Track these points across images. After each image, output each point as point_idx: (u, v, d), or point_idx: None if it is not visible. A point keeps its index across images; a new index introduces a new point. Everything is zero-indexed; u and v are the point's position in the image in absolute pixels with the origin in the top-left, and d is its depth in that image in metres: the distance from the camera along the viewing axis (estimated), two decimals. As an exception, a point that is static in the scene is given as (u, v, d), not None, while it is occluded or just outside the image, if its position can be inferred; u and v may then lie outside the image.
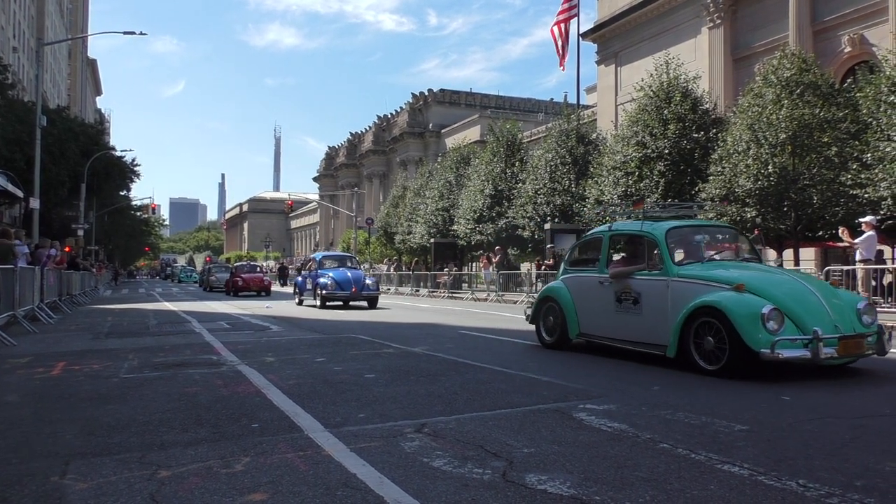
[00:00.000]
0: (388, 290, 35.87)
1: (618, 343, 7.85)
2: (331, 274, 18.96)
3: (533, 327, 9.45)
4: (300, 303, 20.88)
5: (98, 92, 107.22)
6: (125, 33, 27.02)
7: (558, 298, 8.71)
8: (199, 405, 5.20)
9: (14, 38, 50.40)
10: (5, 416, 5.06)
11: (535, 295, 22.72)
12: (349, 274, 19.16)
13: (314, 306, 19.11)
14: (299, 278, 22.22)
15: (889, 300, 13.21)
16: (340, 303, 19.21)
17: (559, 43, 29.40)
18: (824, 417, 4.75)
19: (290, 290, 40.17)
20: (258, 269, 35.00)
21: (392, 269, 42.02)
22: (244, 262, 41.33)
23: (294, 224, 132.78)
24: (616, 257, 8.67)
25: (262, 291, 29.70)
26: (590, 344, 8.65)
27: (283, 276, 51.11)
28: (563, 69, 29.88)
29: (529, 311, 9.70)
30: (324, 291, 18.45)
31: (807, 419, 4.67)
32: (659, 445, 3.94)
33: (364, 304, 19.53)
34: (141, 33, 27.21)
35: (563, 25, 29.20)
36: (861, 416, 4.78)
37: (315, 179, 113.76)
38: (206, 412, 4.94)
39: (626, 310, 7.64)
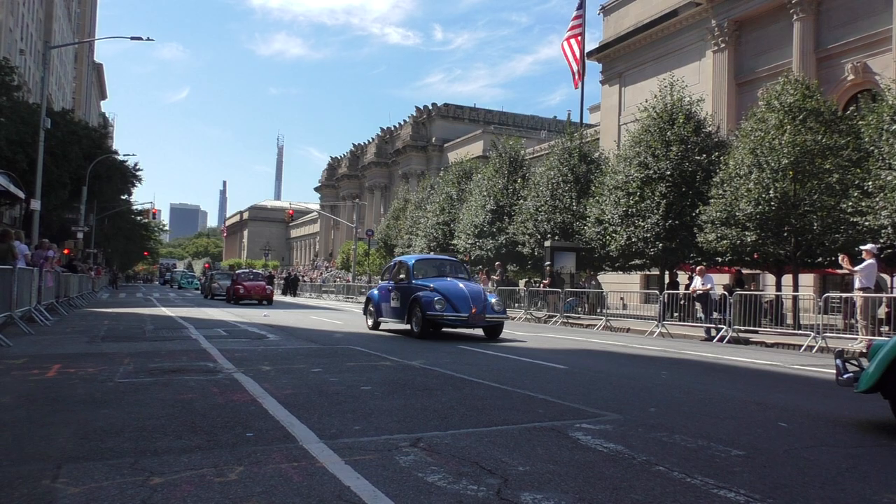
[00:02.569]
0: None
1: None
2: (433, 285, 13.23)
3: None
4: (375, 326, 15.09)
5: (103, 96, 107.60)
6: (132, 38, 27.18)
7: None
8: (194, 412, 5.18)
9: (21, 41, 50.63)
10: (-2, 417, 5.03)
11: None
12: (463, 287, 13.25)
13: (404, 331, 14.00)
14: (374, 291, 15.75)
15: (887, 328, 13.22)
16: (434, 328, 13.10)
17: (571, 60, 29.50)
18: (821, 445, 4.73)
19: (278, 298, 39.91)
20: (260, 276, 33.41)
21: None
22: (246, 270, 39.23)
23: (294, 233, 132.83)
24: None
25: (264, 300, 28.64)
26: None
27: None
28: (577, 86, 29.89)
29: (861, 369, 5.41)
30: (429, 312, 12.61)
31: (803, 446, 4.65)
32: (655, 468, 3.92)
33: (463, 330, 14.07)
34: (148, 39, 27.36)
35: (573, 42, 29.33)
36: (858, 446, 4.77)
37: (316, 189, 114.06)
38: (200, 419, 4.92)
39: None
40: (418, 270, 14.24)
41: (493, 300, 13.44)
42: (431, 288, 13.11)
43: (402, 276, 14.32)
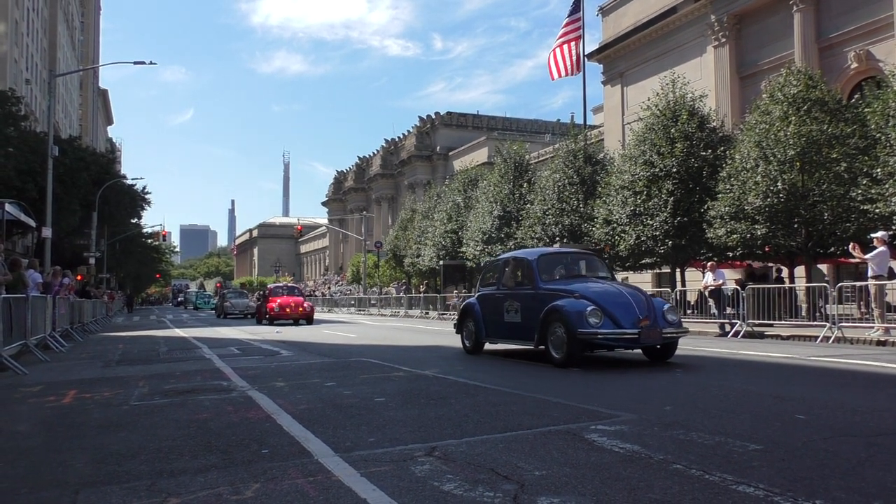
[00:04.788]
0: (398, 312, 35.84)
1: None
2: (576, 290, 9.52)
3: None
4: (477, 347, 11.49)
5: (109, 121, 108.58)
6: (135, 63, 27.50)
7: None
8: (210, 431, 5.19)
9: (27, 71, 51.20)
10: (16, 445, 5.06)
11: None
12: (623, 290, 9.71)
13: (532, 356, 10.39)
14: (474, 300, 11.90)
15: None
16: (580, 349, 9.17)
17: (559, 64, 29.50)
18: (839, 436, 4.68)
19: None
20: (296, 291, 28.00)
21: (402, 292, 42.10)
22: (281, 284, 32.52)
23: (303, 249, 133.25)
24: None
25: (303, 319, 24.19)
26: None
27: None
28: (553, 79, 29.99)
29: None
30: (581, 329, 8.81)
31: (822, 438, 4.60)
32: (672, 466, 3.89)
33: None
34: (151, 63, 27.68)
35: (568, 46, 29.34)
36: (877, 434, 4.72)
37: (324, 204, 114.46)
38: (216, 438, 4.93)
39: None
40: (546, 269, 10.40)
41: (665, 307, 9.58)
42: (576, 294, 9.37)
43: (519, 278, 10.72)
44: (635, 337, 8.96)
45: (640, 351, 9.91)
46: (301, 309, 24.12)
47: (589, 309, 8.92)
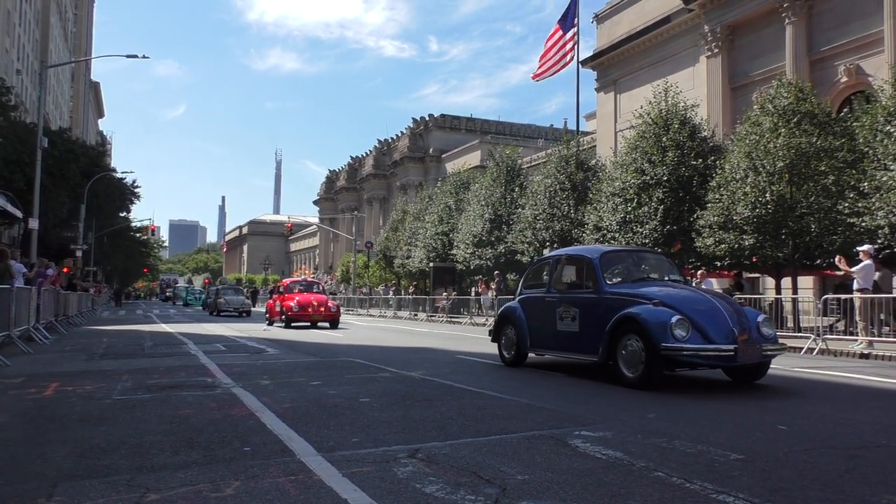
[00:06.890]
0: (386, 313, 35.78)
1: None
2: (654, 295, 7.99)
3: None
4: (519, 359, 9.92)
5: (100, 114, 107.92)
6: (128, 56, 27.26)
7: None
8: (192, 428, 5.16)
9: (18, 61, 50.82)
10: (-5, 437, 5.02)
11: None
12: (711, 299, 8.15)
13: (552, 366, 9.75)
14: (516, 304, 10.21)
15: (887, 329, 13.23)
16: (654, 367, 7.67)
17: (544, 70, 29.41)
18: (820, 448, 4.71)
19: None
20: (315, 286, 23.93)
21: (391, 293, 42.06)
22: (299, 279, 27.45)
23: (293, 247, 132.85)
24: None
25: (326, 321, 20.64)
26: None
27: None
28: (535, 79, 29.97)
29: None
30: (664, 344, 7.26)
31: (803, 449, 4.63)
32: (654, 474, 3.90)
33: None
34: (143, 57, 27.44)
35: (556, 65, 29.19)
36: (857, 447, 4.75)
37: (315, 203, 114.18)
38: (198, 435, 4.90)
39: None
40: (611, 270, 8.97)
41: (760, 319, 8.09)
42: (654, 301, 7.81)
43: (575, 279, 9.26)
44: (731, 354, 7.38)
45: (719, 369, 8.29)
46: (324, 309, 20.60)
47: (675, 319, 7.37)
